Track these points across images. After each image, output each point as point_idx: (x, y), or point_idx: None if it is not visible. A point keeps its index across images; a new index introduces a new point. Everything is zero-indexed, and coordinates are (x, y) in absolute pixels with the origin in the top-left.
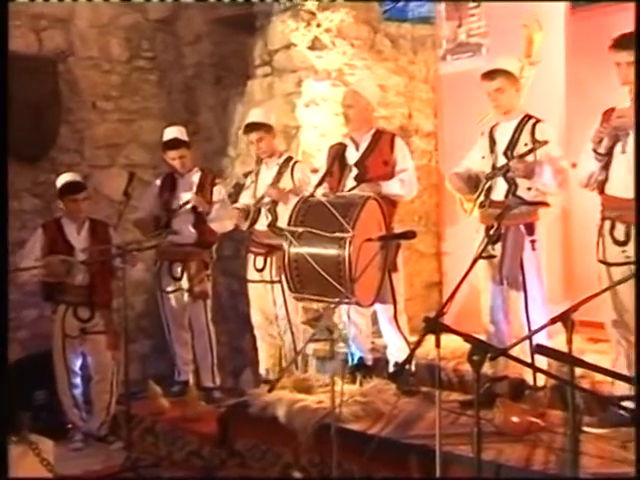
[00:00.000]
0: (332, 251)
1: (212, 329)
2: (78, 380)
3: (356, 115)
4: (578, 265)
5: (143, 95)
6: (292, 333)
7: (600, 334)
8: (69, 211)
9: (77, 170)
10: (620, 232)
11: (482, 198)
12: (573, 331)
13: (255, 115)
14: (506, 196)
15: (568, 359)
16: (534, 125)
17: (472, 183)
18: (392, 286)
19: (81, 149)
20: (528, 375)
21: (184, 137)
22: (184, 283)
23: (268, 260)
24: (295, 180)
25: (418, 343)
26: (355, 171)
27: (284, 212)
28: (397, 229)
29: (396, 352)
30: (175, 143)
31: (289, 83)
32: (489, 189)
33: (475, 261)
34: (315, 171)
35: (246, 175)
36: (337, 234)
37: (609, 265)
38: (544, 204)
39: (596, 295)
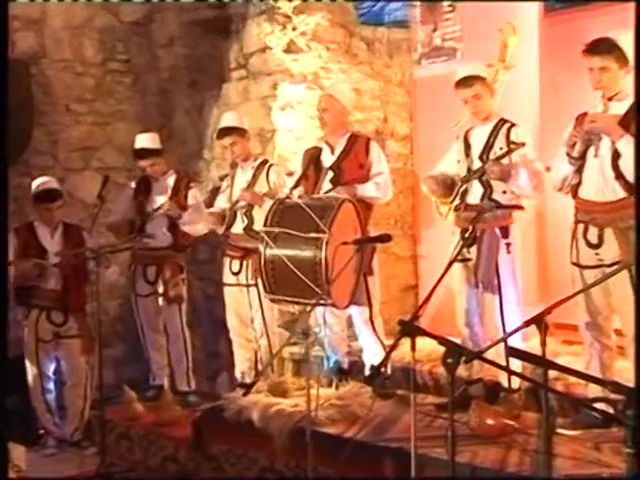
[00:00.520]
0: (308, 253)
1: (187, 333)
2: (51, 385)
3: (331, 119)
4: (552, 268)
5: (117, 98)
6: (268, 336)
7: (574, 336)
8: (42, 218)
9: (50, 173)
10: (593, 235)
11: (457, 201)
12: (547, 333)
13: (228, 120)
14: (481, 199)
15: (541, 362)
16: (509, 129)
17: (447, 186)
18: (367, 289)
19: (55, 152)
20: (503, 378)
21: (156, 144)
22: (159, 287)
23: (244, 263)
24: (270, 183)
25: (393, 346)
26: (331, 174)
27: (260, 215)
28: (373, 232)
29: (372, 355)
30: (143, 153)
31: (264, 86)
32: (464, 192)
33: (450, 264)
34: (291, 174)
35: (222, 178)
36: (313, 234)
37: (582, 268)
38: (519, 207)
39: (569, 298)
